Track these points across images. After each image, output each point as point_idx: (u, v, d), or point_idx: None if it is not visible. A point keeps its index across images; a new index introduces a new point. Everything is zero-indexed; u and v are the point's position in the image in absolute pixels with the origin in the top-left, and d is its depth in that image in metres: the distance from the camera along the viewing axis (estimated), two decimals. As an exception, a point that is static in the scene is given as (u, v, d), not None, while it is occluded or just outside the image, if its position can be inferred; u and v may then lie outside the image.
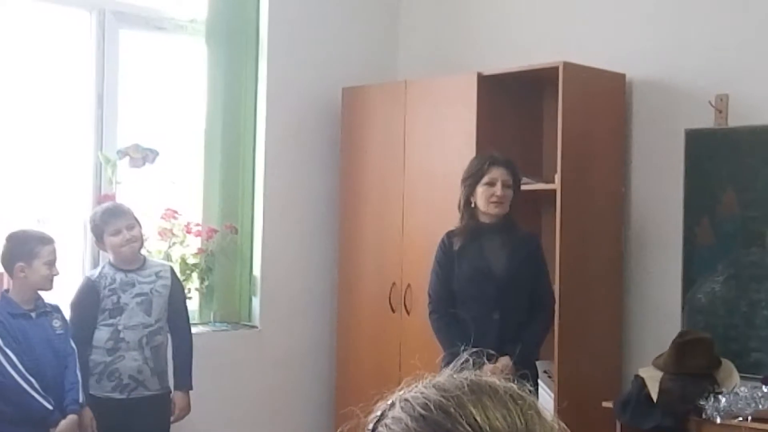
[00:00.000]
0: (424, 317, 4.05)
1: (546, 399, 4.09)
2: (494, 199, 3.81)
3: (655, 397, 3.85)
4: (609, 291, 4.43)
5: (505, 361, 3.71)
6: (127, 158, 4.47)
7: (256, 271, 4.92)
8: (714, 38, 4.24)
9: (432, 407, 0.93)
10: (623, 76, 4.47)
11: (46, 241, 3.75)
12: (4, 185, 4.33)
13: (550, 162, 4.41)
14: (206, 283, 4.74)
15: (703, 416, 3.72)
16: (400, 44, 5.42)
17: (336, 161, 5.08)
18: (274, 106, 4.92)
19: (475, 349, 1.08)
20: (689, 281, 4.24)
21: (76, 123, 4.52)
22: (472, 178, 3.85)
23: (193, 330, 4.23)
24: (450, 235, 3.92)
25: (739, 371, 3.91)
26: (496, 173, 3.82)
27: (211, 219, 4.80)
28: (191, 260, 4.69)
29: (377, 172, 4.88)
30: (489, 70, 4.51)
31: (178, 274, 4.30)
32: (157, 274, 4.00)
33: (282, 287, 4.96)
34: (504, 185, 3.82)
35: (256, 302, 4.92)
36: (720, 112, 4.19)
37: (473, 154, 4.27)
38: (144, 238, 4.09)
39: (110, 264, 3.96)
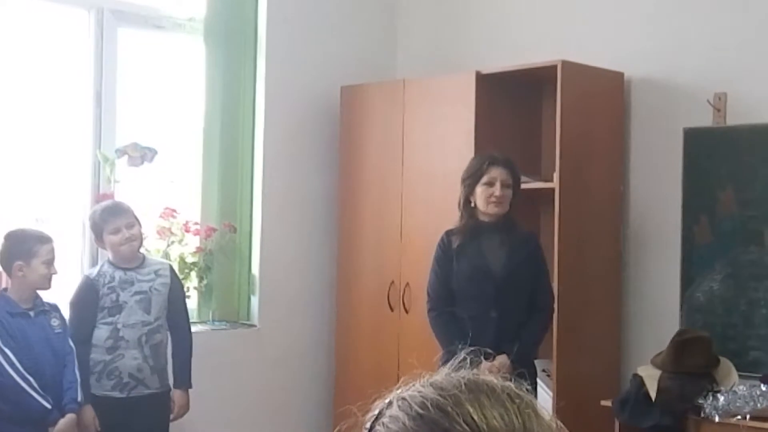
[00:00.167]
0: (422, 316, 4.05)
1: (545, 398, 4.09)
2: (493, 199, 3.81)
3: (653, 395, 3.85)
4: (607, 290, 4.44)
5: (502, 359, 3.71)
6: (126, 157, 4.46)
7: (255, 269, 4.92)
8: (712, 37, 4.24)
9: (429, 406, 0.93)
10: (622, 74, 4.47)
11: (45, 240, 3.74)
12: (3, 184, 4.32)
13: (549, 161, 4.41)
14: (205, 281, 4.74)
15: (702, 415, 3.72)
16: (398, 43, 5.42)
17: (335, 160, 5.08)
18: (273, 105, 4.92)
19: (472, 348, 1.08)
20: (688, 280, 4.24)
21: (75, 122, 4.52)
22: (471, 178, 3.85)
23: (192, 329, 4.23)
24: (449, 233, 3.92)
25: (738, 370, 3.91)
26: (496, 173, 3.81)
27: (210, 218, 4.79)
28: (190, 259, 4.69)
29: (376, 171, 4.88)
30: (487, 69, 4.51)
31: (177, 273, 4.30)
32: (156, 272, 4.00)
33: (281, 286, 4.96)
34: (503, 185, 3.81)
35: (254, 301, 4.92)
36: (718, 110, 4.19)
37: (472, 153, 4.27)
38: (143, 236, 4.09)
39: (109, 262, 3.95)
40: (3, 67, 4.32)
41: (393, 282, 4.76)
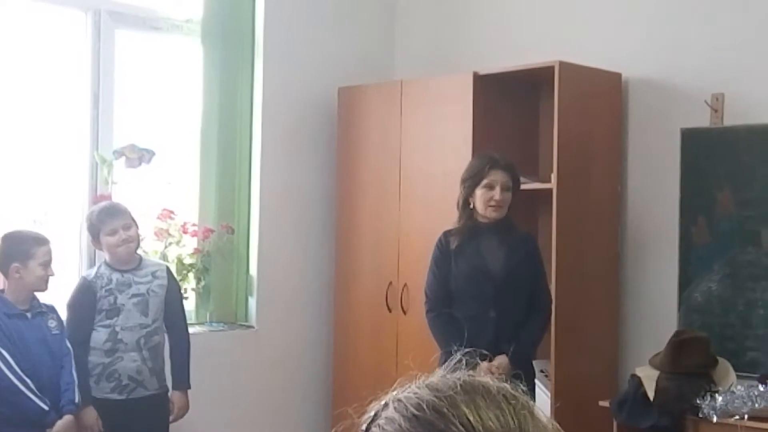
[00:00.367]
0: (420, 316, 4.05)
1: (543, 398, 4.09)
2: (493, 203, 3.80)
3: (651, 396, 3.85)
4: (605, 290, 4.44)
5: (501, 359, 3.71)
6: (123, 158, 4.46)
7: (253, 270, 4.92)
8: (710, 38, 4.24)
9: (425, 407, 0.93)
10: (619, 75, 4.47)
11: (42, 241, 3.74)
12: (0, 186, 4.32)
13: (547, 161, 4.41)
14: (203, 283, 4.74)
15: (700, 415, 3.72)
16: (396, 44, 5.42)
17: (332, 161, 5.08)
18: (270, 106, 4.92)
19: (468, 349, 1.08)
20: (686, 280, 4.24)
21: (72, 123, 4.51)
22: (471, 180, 3.84)
23: (190, 330, 4.23)
24: (447, 234, 3.92)
25: (736, 370, 3.92)
26: (496, 177, 3.81)
27: (208, 219, 4.79)
28: (188, 260, 4.69)
29: (374, 172, 4.88)
30: (485, 69, 4.51)
31: (175, 274, 4.30)
32: (153, 273, 3.99)
33: (279, 287, 4.96)
34: (503, 189, 3.81)
35: (252, 302, 4.92)
36: (716, 111, 4.19)
37: (470, 153, 4.27)
38: (141, 238, 4.08)
39: (106, 264, 3.95)
40: (0, 69, 4.31)
41: (391, 283, 4.76)
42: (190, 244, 4.72)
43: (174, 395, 4.04)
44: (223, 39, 4.82)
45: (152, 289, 3.95)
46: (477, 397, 0.94)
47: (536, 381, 4.10)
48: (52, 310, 3.81)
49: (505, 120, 4.59)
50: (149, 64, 4.76)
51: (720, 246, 4.15)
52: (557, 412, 3.80)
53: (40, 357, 3.67)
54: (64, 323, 3.84)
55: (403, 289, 4.70)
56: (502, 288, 3.82)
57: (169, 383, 4.05)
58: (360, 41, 5.30)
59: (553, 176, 4.19)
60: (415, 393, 0.96)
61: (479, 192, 3.82)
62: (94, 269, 3.98)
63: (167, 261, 4.49)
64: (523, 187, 4.04)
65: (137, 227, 3.98)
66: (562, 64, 4.19)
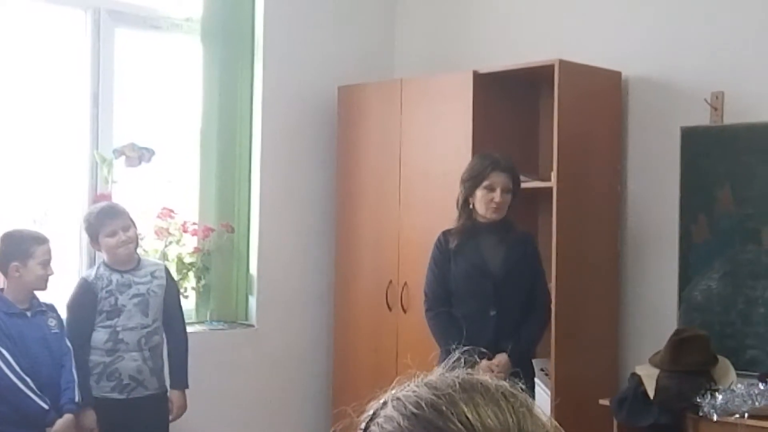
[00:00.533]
0: (420, 315, 4.05)
1: (543, 397, 4.09)
2: (493, 205, 3.80)
3: (651, 394, 3.85)
4: (605, 289, 4.44)
5: (501, 358, 3.71)
6: (123, 157, 4.46)
7: (253, 269, 4.91)
8: (709, 36, 4.24)
9: (424, 406, 0.93)
10: (619, 74, 4.47)
11: (41, 240, 3.74)
12: (0, 185, 4.32)
13: (547, 160, 4.41)
14: (203, 282, 4.74)
15: (700, 413, 3.72)
16: (395, 42, 5.42)
17: (332, 159, 5.07)
18: (270, 105, 4.92)
19: (467, 348, 1.08)
20: (685, 279, 4.24)
21: (72, 122, 4.51)
22: (472, 180, 3.83)
23: (190, 329, 4.23)
24: (446, 234, 3.92)
25: (736, 368, 3.91)
26: (497, 179, 3.80)
27: (208, 218, 4.79)
28: (188, 259, 4.69)
29: (373, 171, 4.88)
30: (485, 68, 4.51)
31: (174, 274, 4.30)
32: (152, 274, 3.99)
33: (279, 286, 4.96)
34: (504, 191, 3.80)
35: (252, 301, 4.92)
36: (716, 109, 4.19)
37: (470, 152, 4.27)
38: (140, 238, 4.08)
39: (105, 264, 3.94)
40: (0, 68, 4.31)
41: (391, 282, 4.76)
42: (191, 243, 4.72)
43: (173, 395, 4.04)
44: (223, 38, 4.82)
45: (152, 289, 3.95)
46: (476, 395, 0.94)
47: (536, 380, 4.10)
48: (52, 309, 3.81)
49: (505, 118, 4.59)
50: (149, 63, 4.76)
51: (720, 244, 4.15)
52: (557, 411, 3.81)
53: (40, 356, 3.67)
54: (64, 323, 3.84)
55: (403, 288, 4.70)
56: (501, 286, 3.82)
57: (168, 383, 4.05)
58: (360, 40, 5.29)
59: (553, 175, 4.19)
60: (413, 391, 0.96)
61: (480, 193, 3.82)
62: (94, 270, 3.97)
63: (167, 260, 4.49)
64: (523, 185, 4.04)
65: (136, 228, 3.98)
66: (562, 62, 4.19)
